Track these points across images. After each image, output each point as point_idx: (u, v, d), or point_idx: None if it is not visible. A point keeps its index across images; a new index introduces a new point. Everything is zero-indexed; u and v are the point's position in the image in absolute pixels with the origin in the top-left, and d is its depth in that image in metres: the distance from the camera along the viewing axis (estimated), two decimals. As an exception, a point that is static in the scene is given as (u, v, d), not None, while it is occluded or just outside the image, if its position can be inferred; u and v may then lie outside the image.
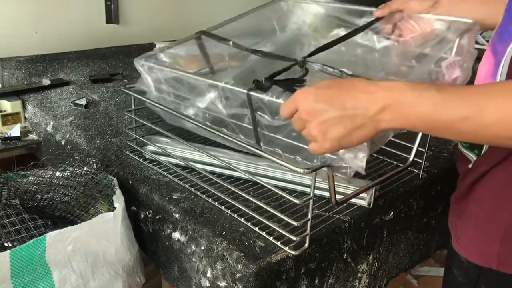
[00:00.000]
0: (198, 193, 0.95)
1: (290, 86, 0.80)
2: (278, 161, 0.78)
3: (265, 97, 0.75)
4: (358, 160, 0.71)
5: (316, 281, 0.88)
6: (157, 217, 0.95)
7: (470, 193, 0.84)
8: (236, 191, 0.90)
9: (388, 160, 1.13)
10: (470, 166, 0.84)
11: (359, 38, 0.97)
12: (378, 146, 0.78)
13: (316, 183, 0.78)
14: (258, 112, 0.79)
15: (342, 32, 0.99)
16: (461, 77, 0.85)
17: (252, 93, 0.77)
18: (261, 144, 0.83)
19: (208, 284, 0.86)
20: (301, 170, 0.75)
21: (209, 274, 0.85)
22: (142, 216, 0.99)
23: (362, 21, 0.99)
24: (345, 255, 0.93)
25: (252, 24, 1.06)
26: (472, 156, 0.83)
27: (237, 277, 0.79)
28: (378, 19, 0.97)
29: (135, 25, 2.22)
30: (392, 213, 1.00)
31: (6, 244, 0.87)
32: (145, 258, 1.03)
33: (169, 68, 0.94)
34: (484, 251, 0.79)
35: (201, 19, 2.41)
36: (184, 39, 1.03)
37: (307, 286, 0.86)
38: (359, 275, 0.99)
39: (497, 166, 0.78)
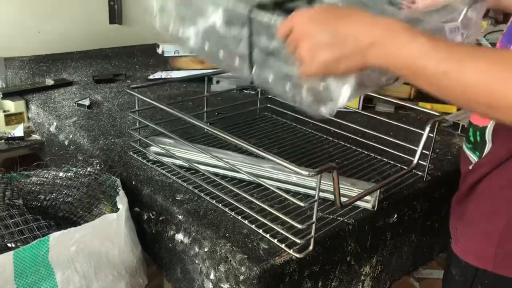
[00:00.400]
0: (202, 194, 0.95)
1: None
2: (282, 163, 0.78)
3: (264, 17, 0.73)
4: (343, 89, 0.67)
5: (320, 284, 0.88)
6: (161, 218, 0.95)
7: (469, 195, 0.85)
8: (240, 192, 0.90)
9: (392, 162, 1.12)
10: (470, 167, 0.84)
11: None
12: (367, 89, 0.75)
13: (320, 186, 0.78)
14: (256, 36, 0.77)
15: None
16: None
17: (252, 13, 0.75)
18: (254, 68, 0.80)
19: (211, 286, 0.85)
20: (306, 173, 0.75)
21: (212, 276, 0.84)
22: (145, 217, 0.99)
23: None
24: (348, 257, 0.92)
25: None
26: (473, 158, 0.84)
27: (240, 280, 0.78)
28: None
29: (138, 26, 2.21)
30: (396, 216, 0.99)
31: (9, 245, 0.87)
32: (147, 258, 1.02)
33: None
34: (480, 253, 0.80)
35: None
36: None
37: (310, 289, 0.86)
38: (362, 278, 0.98)
39: (497, 168, 0.78)
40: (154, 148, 1.07)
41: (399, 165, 1.11)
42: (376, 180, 1.04)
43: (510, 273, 0.77)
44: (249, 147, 0.84)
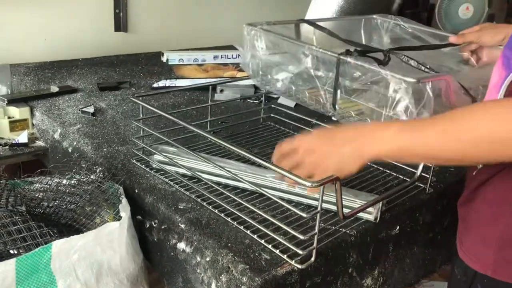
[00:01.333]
0: (204, 203, 0.95)
1: (374, 61, 0.94)
2: (285, 173, 0.78)
3: (351, 60, 0.89)
4: None
5: (321, 295, 0.88)
6: (163, 227, 0.95)
7: (471, 200, 0.87)
8: (242, 202, 0.90)
9: (395, 174, 1.12)
10: (474, 173, 0.86)
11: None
12: None
13: (323, 197, 0.78)
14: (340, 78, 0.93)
15: None
16: None
17: (341, 57, 0.90)
18: (336, 106, 0.95)
19: (212, 296, 0.85)
20: (309, 184, 0.75)
21: (213, 286, 0.84)
22: (148, 225, 0.99)
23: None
24: (350, 269, 0.92)
25: (341, 28, 1.20)
26: (479, 165, 0.85)
27: (242, 290, 0.78)
28: (451, 44, 1.09)
29: (143, 34, 2.23)
30: (398, 227, 0.99)
31: (11, 251, 0.87)
32: (148, 266, 1.02)
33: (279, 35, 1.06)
34: (480, 258, 0.82)
35: (208, 29, 2.43)
36: (285, 21, 1.18)
37: (312, 300, 0.86)
38: (364, 289, 0.98)
39: (495, 175, 0.80)
40: (157, 157, 1.08)
41: (401, 176, 1.11)
42: (378, 191, 1.04)
43: (508, 278, 0.78)
44: (251, 156, 0.84)
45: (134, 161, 1.12)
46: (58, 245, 0.81)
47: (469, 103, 0.90)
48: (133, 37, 2.21)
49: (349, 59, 0.88)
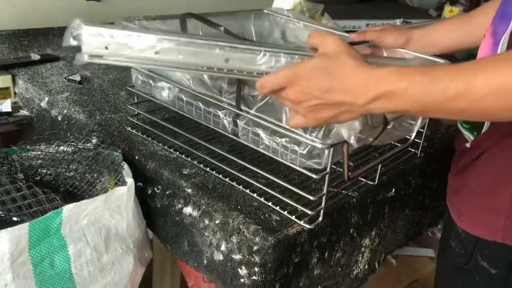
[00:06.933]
0: (207, 169, 0.96)
1: None
2: (295, 136, 0.80)
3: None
4: (352, 126, 0.73)
5: (326, 254, 0.91)
6: (167, 192, 0.95)
7: (469, 170, 0.88)
8: (247, 165, 0.91)
9: (386, 140, 1.16)
10: (468, 145, 0.88)
11: None
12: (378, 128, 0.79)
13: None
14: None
15: None
16: None
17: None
18: (239, 124, 0.87)
19: (221, 258, 0.87)
20: (320, 145, 0.77)
21: (223, 248, 0.86)
22: (150, 192, 0.99)
23: None
24: (351, 230, 0.96)
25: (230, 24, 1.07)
26: (470, 137, 0.87)
27: (254, 250, 0.80)
28: (352, 43, 0.97)
29: (116, 3, 2.17)
30: (393, 190, 1.03)
31: (15, 219, 0.86)
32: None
33: None
34: (488, 225, 0.83)
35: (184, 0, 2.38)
36: (168, 16, 1.02)
37: (318, 259, 0.89)
38: (362, 249, 1.02)
39: (498, 143, 0.81)
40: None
41: (392, 142, 1.15)
42: (372, 156, 1.07)
43: None
44: (251, 116, 0.85)
45: (129, 128, 1.11)
46: (69, 210, 0.80)
47: None
48: (106, 7, 2.14)
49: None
